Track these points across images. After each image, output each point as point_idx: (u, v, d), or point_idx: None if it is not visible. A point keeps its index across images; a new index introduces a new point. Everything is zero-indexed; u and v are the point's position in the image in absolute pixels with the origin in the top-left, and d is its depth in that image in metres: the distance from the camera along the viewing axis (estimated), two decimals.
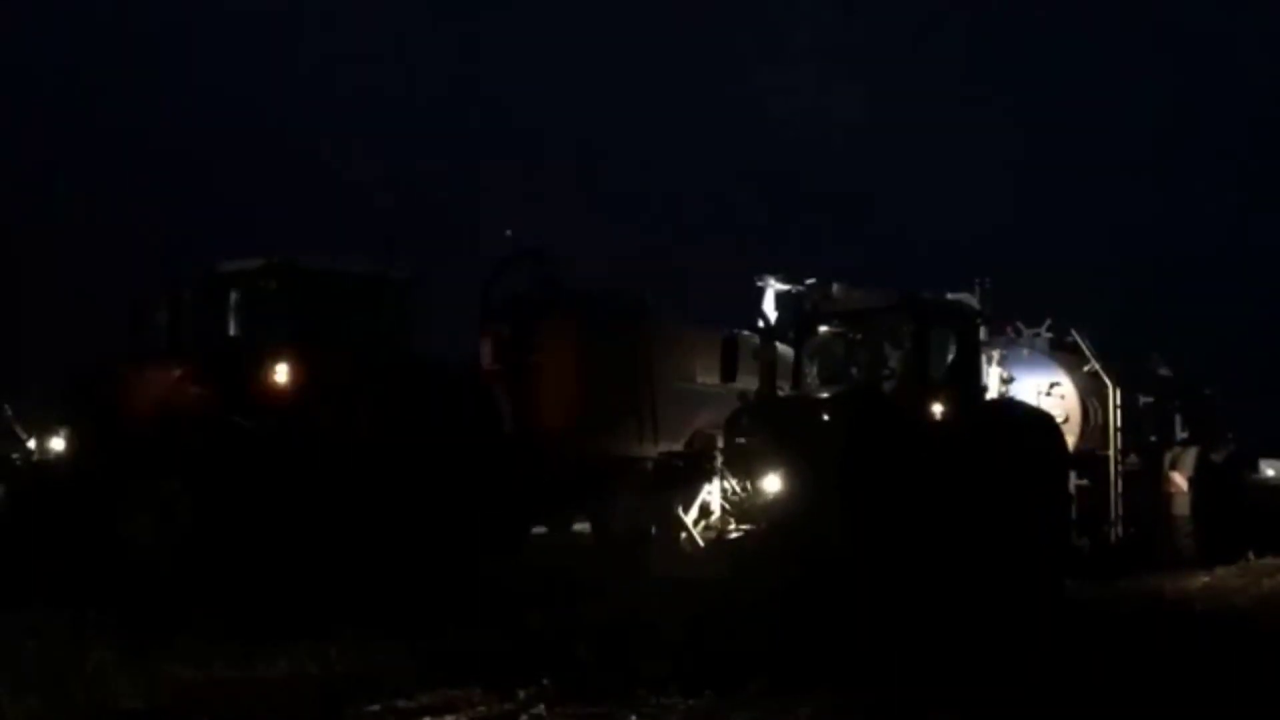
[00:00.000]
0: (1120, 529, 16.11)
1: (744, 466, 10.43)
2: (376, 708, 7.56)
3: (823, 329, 12.52)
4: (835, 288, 13.22)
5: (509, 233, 14.86)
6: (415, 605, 9.93)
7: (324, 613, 9.67)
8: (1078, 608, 12.07)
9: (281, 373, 11.29)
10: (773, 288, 13.09)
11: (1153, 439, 17.59)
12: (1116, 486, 16.08)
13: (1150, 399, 17.88)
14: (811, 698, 8.08)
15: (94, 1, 34.05)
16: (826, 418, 10.96)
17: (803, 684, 8.53)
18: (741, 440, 10.62)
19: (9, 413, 10.88)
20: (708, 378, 14.33)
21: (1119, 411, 16.27)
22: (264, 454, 10.55)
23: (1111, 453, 16.16)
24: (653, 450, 14.05)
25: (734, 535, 10.02)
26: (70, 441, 10.57)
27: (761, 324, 13.08)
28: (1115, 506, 16.05)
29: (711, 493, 10.35)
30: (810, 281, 13.34)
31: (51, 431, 10.64)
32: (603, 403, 14.70)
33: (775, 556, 10.09)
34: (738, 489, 10.36)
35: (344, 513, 10.75)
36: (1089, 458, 16.02)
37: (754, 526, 10.09)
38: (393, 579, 10.38)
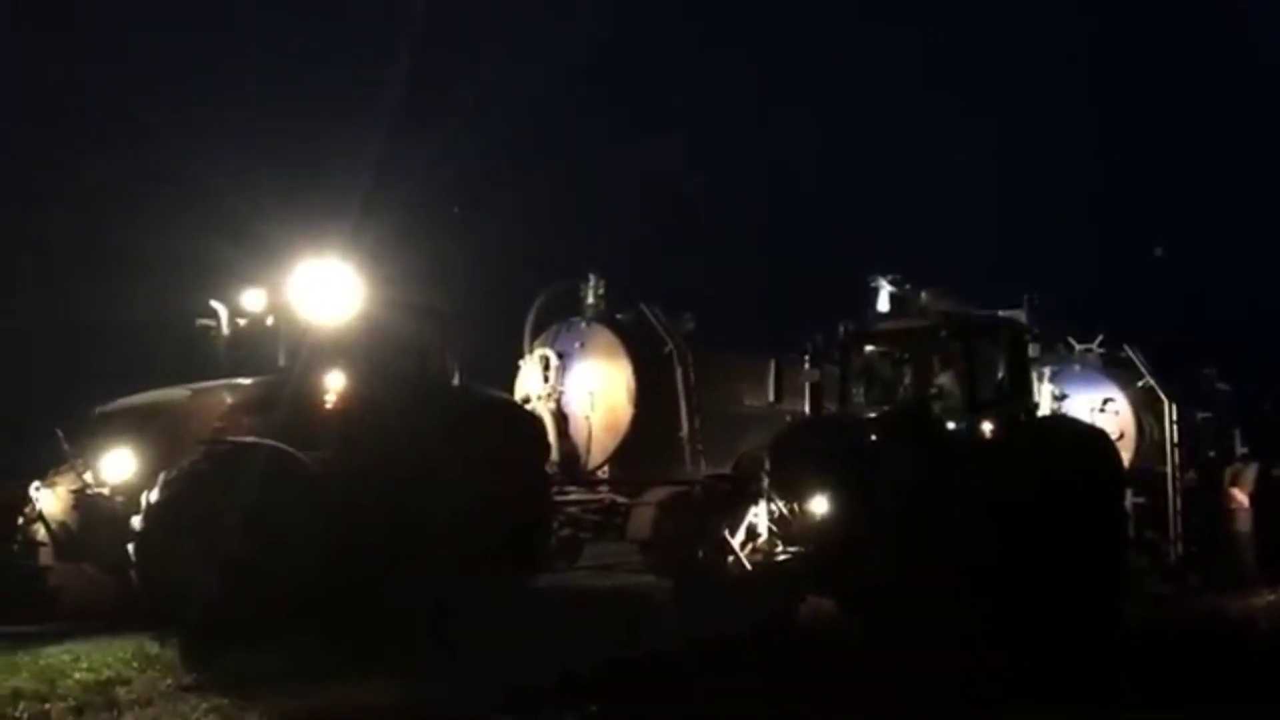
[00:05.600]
0: (1180, 547, 15.79)
1: (791, 489, 10.33)
2: None
3: (868, 349, 12.42)
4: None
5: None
6: (458, 632, 9.94)
7: (362, 644, 9.68)
8: (1136, 628, 11.83)
9: (333, 401, 11.41)
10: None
11: (1211, 454, 17.24)
12: (1175, 504, 15.77)
13: (1208, 414, 17.56)
14: None
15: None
16: (873, 438, 10.85)
17: (852, 708, 8.46)
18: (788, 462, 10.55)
19: (66, 445, 10.96)
20: (753, 400, 14.30)
21: (1175, 427, 15.99)
22: (318, 483, 10.61)
23: (1169, 469, 15.87)
24: (699, 473, 14.02)
25: (781, 558, 9.91)
26: (127, 472, 10.67)
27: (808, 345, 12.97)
28: (1174, 524, 15.74)
29: (758, 515, 10.24)
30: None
31: (107, 461, 10.75)
32: (649, 427, 14.71)
33: (823, 579, 10.00)
34: (785, 511, 10.25)
35: (392, 542, 10.79)
36: (1146, 475, 15.72)
37: (801, 549, 9.98)
38: (439, 607, 10.39)
